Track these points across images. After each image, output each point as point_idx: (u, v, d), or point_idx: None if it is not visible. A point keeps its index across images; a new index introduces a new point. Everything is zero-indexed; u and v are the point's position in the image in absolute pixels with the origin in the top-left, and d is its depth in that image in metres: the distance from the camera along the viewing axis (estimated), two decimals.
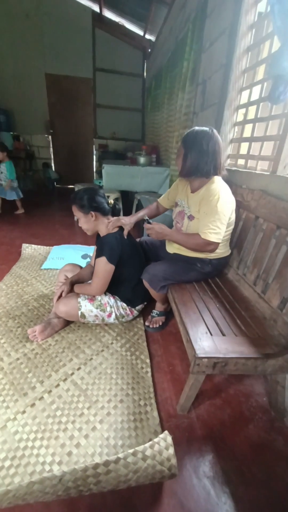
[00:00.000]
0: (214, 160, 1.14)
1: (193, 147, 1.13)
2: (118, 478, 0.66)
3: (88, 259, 2.12)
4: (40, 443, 0.87)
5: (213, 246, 1.14)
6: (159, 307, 1.51)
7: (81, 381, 1.10)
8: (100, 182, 3.60)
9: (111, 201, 1.33)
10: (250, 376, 1.20)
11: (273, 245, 1.06)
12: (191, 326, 0.97)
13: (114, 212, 1.35)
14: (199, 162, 1.13)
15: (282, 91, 1.06)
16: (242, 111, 1.63)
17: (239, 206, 1.32)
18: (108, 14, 4.57)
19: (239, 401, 1.08)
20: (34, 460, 0.82)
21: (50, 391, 1.05)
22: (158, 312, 1.50)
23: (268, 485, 0.82)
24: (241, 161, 1.62)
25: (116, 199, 3.02)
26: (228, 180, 1.27)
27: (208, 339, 0.91)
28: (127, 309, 1.40)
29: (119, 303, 1.39)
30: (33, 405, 0.99)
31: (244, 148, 1.60)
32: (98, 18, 4.56)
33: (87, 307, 1.31)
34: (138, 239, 1.56)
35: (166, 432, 0.76)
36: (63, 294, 1.35)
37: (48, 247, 2.41)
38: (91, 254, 2.00)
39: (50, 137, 5.21)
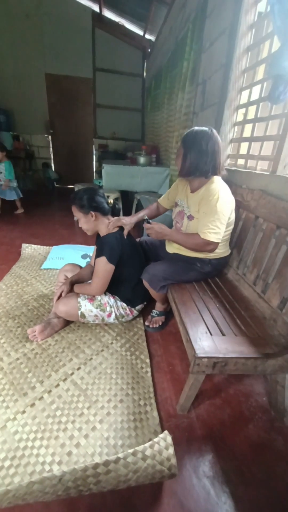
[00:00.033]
0: (214, 160, 1.14)
1: (192, 147, 1.13)
2: (118, 478, 0.66)
3: (88, 259, 2.12)
4: (40, 443, 0.87)
5: (212, 246, 1.14)
6: (159, 307, 1.51)
7: (81, 381, 1.10)
8: (100, 182, 3.60)
9: (111, 200, 1.33)
10: (250, 376, 1.20)
11: (273, 245, 1.06)
12: (191, 326, 0.97)
13: (114, 212, 1.35)
14: (198, 162, 1.13)
15: (282, 91, 1.06)
16: (242, 111, 1.63)
17: (239, 206, 1.32)
18: (108, 14, 4.57)
19: (239, 401, 1.08)
20: (34, 460, 0.82)
21: (50, 391, 1.05)
22: (158, 312, 1.50)
23: (268, 485, 0.82)
24: (241, 161, 1.62)
25: (116, 199, 3.03)
26: (228, 180, 1.27)
27: (208, 339, 0.91)
28: (127, 309, 1.40)
29: (119, 303, 1.39)
30: (33, 405, 0.99)
31: (244, 148, 1.60)
32: (98, 18, 4.56)
33: (87, 307, 1.31)
34: (138, 239, 1.56)
35: (166, 432, 0.76)
36: (63, 294, 1.34)
37: (48, 247, 2.41)
38: (91, 254, 2.00)
39: (50, 137, 5.21)
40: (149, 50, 4.74)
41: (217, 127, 1.69)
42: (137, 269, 1.36)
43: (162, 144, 3.64)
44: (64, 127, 5.20)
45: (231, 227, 1.26)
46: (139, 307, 1.46)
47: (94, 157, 5.47)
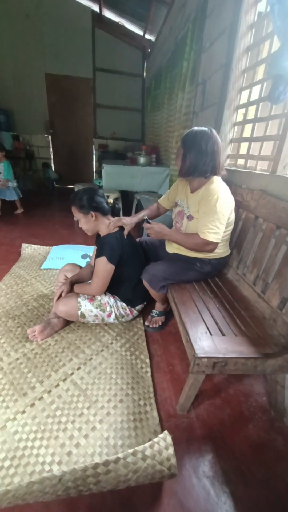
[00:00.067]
0: (213, 160, 1.14)
1: (192, 147, 1.13)
2: (118, 478, 0.66)
3: (88, 259, 2.12)
4: (39, 443, 0.87)
5: (212, 246, 1.14)
6: (158, 307, 1.51)
7: (80, 381, 1.10)
8: (100, 182, 3.60)
9: (110, 200, 1.33)
10: (249, 376, 1.20)
11: (272, 245, 1.06)
12: (191, 326, 0.97)
13: (114, 212, 1.35)
14: (198, 162, 1.13)
15: (282, 91, 1.06)
16: (242, 111, 1.63)
17: (239, 206, 1.32)
18: (108, 14, 4.57)
19: (238, 401, 1.08)
20: (34, 460, 0.82)
21: (49, 391, 1.05)
22: (157, 312, 1.50)
23: (268, 485, 0.82)
24: (240, 161, 1.62)
25: (116, 199, 3.03)
26: (227, 180, 1.27)
27: (208, 339, 0.91)
28: (127, 309, 1.40)
29: (119, 303, 1.39)
30: (32, 405, 0.99)
31: (243, 148, 1.60)
32: (98, 18, 4.56)
33: (87, 307, 1.31)
34: (138, 239, 1.56)
35: (165, 432, 0.76)
36: (63, 294, 1.34)
37: (47, 247, 2.41)
38: (91, 254, 2.00)
39: (50, 137, 5.20)
40: (149, 50, 4.74)
41: (217, 127, 1.69)
42: (137, 269, 1.36)
43: (162, 144, 3.64)
44: (64, 127, 5.20)
45: (231, 227, 1.26)
46: (139, 307, 1.46)
47: (94, 157, 5.47)
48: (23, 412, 0.96)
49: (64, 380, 1.10)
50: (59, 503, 0.74)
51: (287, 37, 1.01)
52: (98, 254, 1.24)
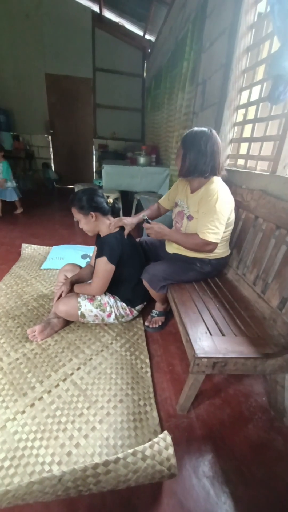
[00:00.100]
0: (213, 160, 1.14)
1: (191, 148, 1.13)
2: (118, 478, 0.66)
3: (88, 259, 2.12)
4: (39, 443, 0.87)
5: (211, 246, 1.14)
6: (158, 307, 1.51)
7: (80, 381, 1.10)
8: (100, 182, 3.60)
9: (110, 200, 1.33)
10: (249, 376, 1.20)
11: (272, 245, 1.06)
12: (191, 326, 0.97)
13: (114, 212, 1.35)
14: (197, 163, 1.13)
15: (282, 91, 1.06)
16: (242, 111, 1.63)
17: (239, 206, 1.32)
18: (108, 14, 4.57)
19: (238, 401, 1.08)
20: (34, 460, 0.82)
21: (49, 391, 1.05)
22: (157, 312, 1.50)
23: (268, 485, 0.82)
24: (240, 161, 1.62)
25: (116, 199, 3.02)
26: (227, 180, 1.27)
27: (208, 339, 0.91)
28: (127, 309, 1.40)
29: (119, 303, 1.39)
30: (32, 405, 0.99)
31: (243, 148, 1.60)
32: (98, 18, 4.57)
33: (87, 307, 1.31)
34: (138, 239, 1.56)
35: (165, 432, 0.76)
36: (63, 294, 1.34)
37: (47, 247, 2.41)
38: (91, 254, 2.00)
39: (50, 137, 5.21)
40: (149, 50, 4.74)
41: (217, 127, 1.69)
42: (137, 269, 1.36)
43: (162, 144, 3.64)
44: (64, 127, 5.20)
45: (231, 227, 1.26)
46: (139, 307, 1.46)
47: (94, 157, 5.47)
48: (23, 412, 0.96)
49: (64, 380, 1.10)
50: (59, 503, 0.74)
51: (287, 38, 1.01)
52: (98, 254, 1.24)
